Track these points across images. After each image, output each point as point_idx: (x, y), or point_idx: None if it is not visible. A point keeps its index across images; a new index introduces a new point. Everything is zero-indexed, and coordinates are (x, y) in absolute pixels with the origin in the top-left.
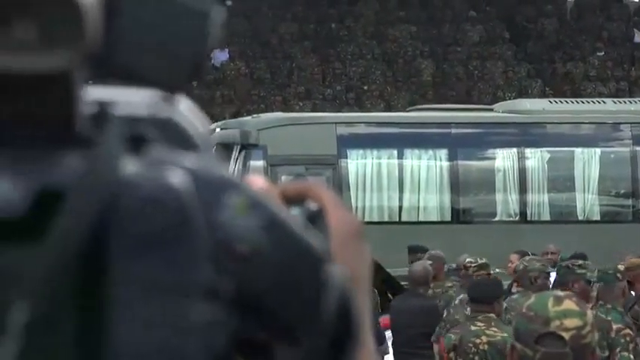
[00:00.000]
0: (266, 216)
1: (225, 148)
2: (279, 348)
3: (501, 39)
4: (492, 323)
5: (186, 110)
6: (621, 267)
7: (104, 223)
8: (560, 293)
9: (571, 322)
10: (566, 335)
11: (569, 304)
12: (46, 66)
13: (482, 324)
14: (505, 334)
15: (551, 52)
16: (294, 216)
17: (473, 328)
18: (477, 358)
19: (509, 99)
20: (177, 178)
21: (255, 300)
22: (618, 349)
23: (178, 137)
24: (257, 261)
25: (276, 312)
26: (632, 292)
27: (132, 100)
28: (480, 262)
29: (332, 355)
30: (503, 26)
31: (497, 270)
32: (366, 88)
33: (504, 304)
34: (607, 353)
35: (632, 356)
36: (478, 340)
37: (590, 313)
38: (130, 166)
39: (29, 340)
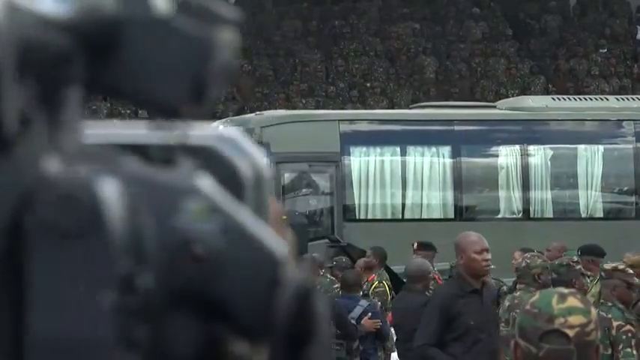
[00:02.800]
0: (225, 220)
1: None
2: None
3: (504, 36)
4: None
5: (231, 142)
6: (622, 265)
7: (20, 219)
8: (564, 290)
9: (575, 320)
10: (570, 332)
11: (574, 302)
12: None
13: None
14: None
15: (554, 49)
16: (256, 221)
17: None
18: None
19: (512, 96)
20: (101, 178)
21: (214, 300)
22: (621, 346)
23: (209, 165)
24: (214, 263)
25: (233, 312)
26: None
27: (139, 132)
28: None
29: (292, 355)
30: (507, 23)
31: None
32: (368, 85)
33: (507, 302)
34: (610, 351)
35: (635, 352)
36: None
37: (594, 311)
38: (52, 166)
39: None
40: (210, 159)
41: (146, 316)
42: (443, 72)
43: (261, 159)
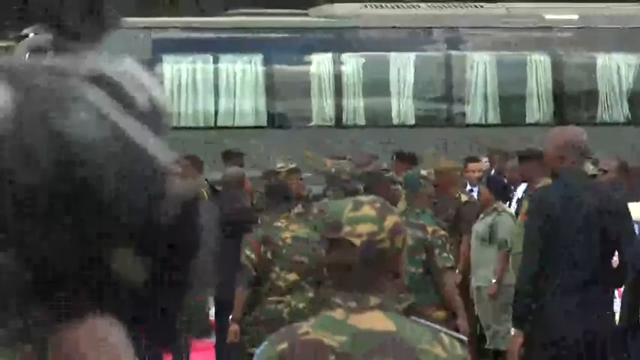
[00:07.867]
0: (111, 127)
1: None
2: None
3: None
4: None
5: (127, 72)
6: (424, 172)
7: None
8: (362, 199)
9: (364, 228)
10: (357, 241)
11: (367, 210)
12: None
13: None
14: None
15: None
16: (142, 129)
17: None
18: (284, 250)
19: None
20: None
21: (99, 206)
22: (437, 251)
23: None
24: (101, 169)
25: (117, 218)
26: None
27: None
28: (290, 166)
29: (176, 264)
30: None
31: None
32: None
33: (315, 208)
34: (424, 256)
35: (451, 256)
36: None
37: (391, 220)
38: None
39: None
40: (109, 89)
41: (26, 215)
42: None
43: (159, 91)
